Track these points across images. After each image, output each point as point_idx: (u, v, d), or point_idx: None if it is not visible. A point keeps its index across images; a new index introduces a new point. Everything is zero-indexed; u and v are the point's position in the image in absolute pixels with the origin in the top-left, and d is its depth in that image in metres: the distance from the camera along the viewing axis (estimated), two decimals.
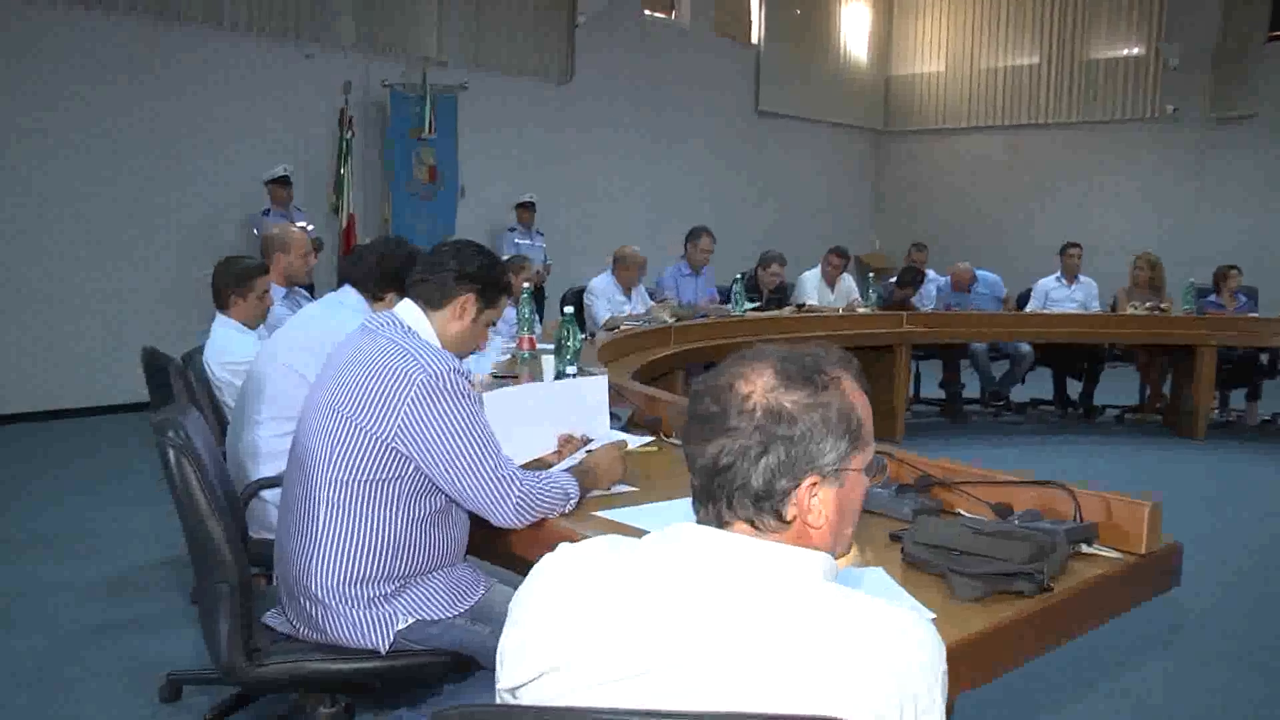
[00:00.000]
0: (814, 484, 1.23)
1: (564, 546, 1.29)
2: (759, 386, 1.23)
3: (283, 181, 8.07)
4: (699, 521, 1.26)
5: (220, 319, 3.81)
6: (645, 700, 1.11)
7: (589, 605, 1.18)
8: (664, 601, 1.16)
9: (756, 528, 1.24)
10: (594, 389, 3.02)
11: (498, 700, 1.27)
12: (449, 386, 2.14)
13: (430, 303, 2.34)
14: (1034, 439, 7.75)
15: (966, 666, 1.58)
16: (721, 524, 1.24)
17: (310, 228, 5.20)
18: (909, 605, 1.63)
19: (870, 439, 1.29)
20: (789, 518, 1.23)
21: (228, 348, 3.68)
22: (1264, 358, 8.36)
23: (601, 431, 2.89)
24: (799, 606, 1.15)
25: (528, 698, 1.20)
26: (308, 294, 5.12)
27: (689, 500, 2.39)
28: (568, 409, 2.88)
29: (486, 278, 2.40)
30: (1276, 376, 8.45)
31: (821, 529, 1.25)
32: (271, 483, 2.95)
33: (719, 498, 1.23)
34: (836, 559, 1.27)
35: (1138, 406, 8.68)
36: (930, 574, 1.89)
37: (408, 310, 2.33)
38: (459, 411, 2.14)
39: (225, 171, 8.34)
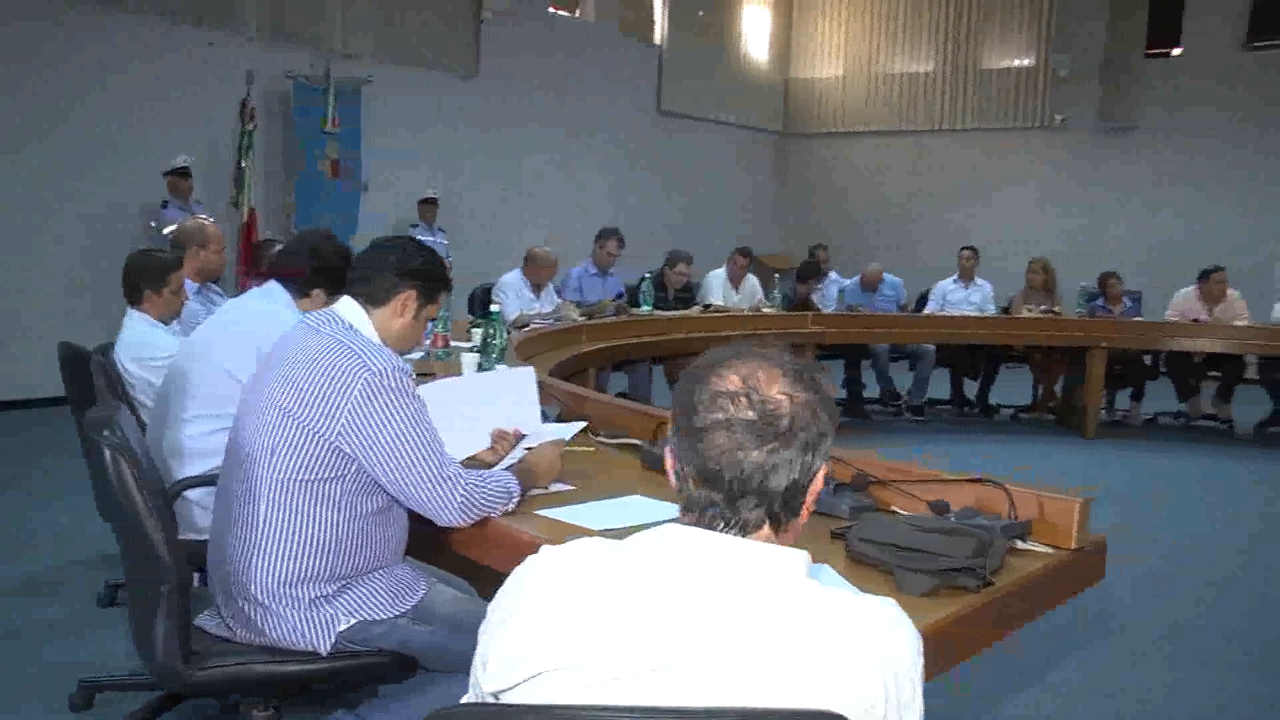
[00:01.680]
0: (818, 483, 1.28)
1: (546, 549, 1.29)
2: (777, 389, 1.24)
3: (182, 173, 7.84)
4: (703, 520, 1.25)
5: (133, 314, 3.69)
6: (649, 697, 1.13)
7: (586, 606, 1.19)
8: (662, 601, 1.17)
9: (776, 527, 1.26)
10: (521, 381, 3.02)
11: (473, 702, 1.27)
12: (393, 385, 2.13)
13: (372, 300, 2.32)
14: (934, 437, 7.95)
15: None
16: (744, 524, 1.24)
17: (211, 221, 5.09)
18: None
19: None
20: (799, 514, 1.27)
21: (145, 343, 3.57)
22: (1148, 359, 8.74)
23: (533, 425, 2.88)
24: (789, 603, 1.18)
25: (517, 699, 1.20)
26: (220, 290, 5.00)
27: (631, 498, 2.46)
28: (497, 402, 2.88)
29: (427, 274, 2.39)
30: (1159, 378, 8.83)
31: (798, 525, 1.30)
32: (197, 482, 2.89)
33: (744, 499, 1.23)
34: None
35: (1031, 406, 8.99)
36: (875, 570, 1.94)
37: (348, 308, 2.31)
38: (403, 410, 2.13)
39: (123, 161, 8.05)
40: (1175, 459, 7.64)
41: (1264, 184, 11.84)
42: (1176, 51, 12.67)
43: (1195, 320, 8.39)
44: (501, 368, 3.50)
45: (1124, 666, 3.85)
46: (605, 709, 1.11)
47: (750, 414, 1.22)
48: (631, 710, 1.11)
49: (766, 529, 1.26)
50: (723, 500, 1.24)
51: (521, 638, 1.21)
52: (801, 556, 1.23)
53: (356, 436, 2.10)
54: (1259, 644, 4.11)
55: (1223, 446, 8.13)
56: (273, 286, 3.11)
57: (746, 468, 1.22)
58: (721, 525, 1.24)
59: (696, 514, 1.25)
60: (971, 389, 8.94)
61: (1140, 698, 3.55)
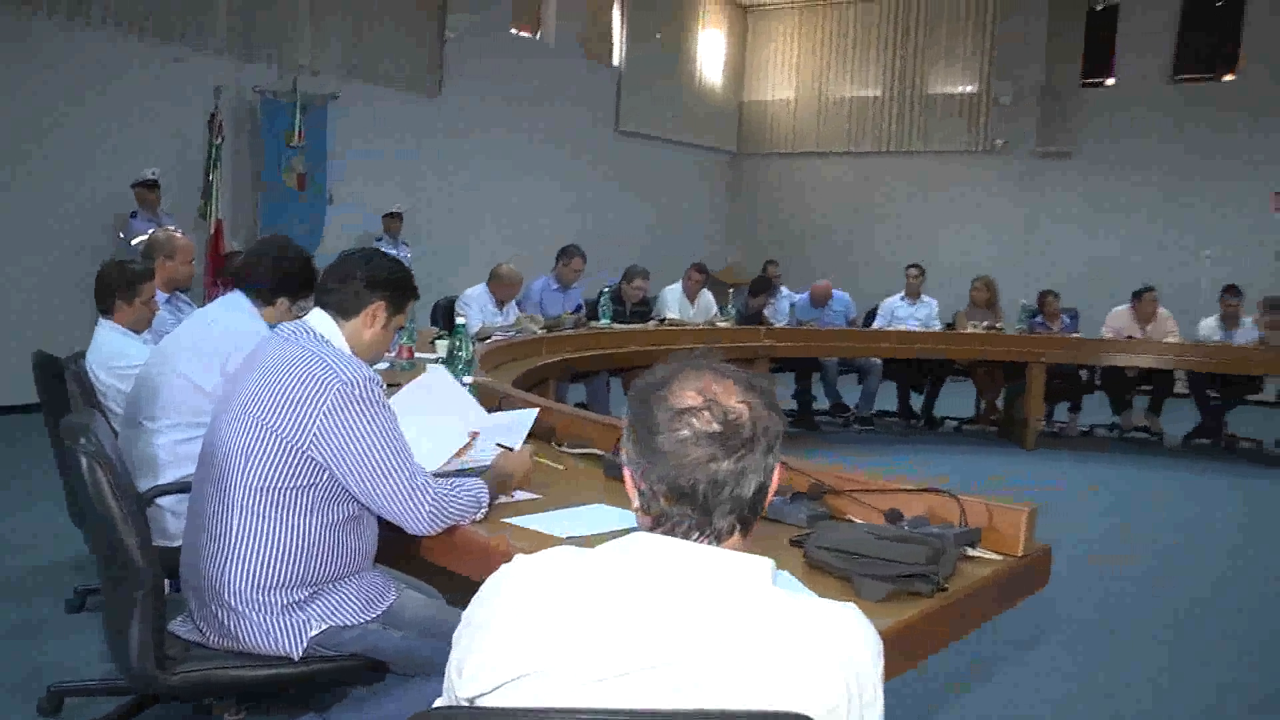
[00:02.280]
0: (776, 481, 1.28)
1: (520, 557, 1.28)
2: (735, 398, 1.24)
3: (151, 185, 7.71)
4: (677, 531, 1.25)
5: (104, 323, 3.62)
6: (623, 701, 1.12)
7: (561, 612, 1.18)
8: (634, 607, 1.17)
9: (744, 532, 1.27)
10: (439, 381, 2.98)
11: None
12: (364, 395, 2.12)
13: (343, 312, 2.31)
14: (881, 448, 7.97)
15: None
16: (718, 533, 1.25)
17: (179, 232, 5.05)
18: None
19: None
20: (760, 513, 1.28)
21: (115, 352, 3.51)
22: (1084, 374, 8.88)
23: (478, 418, 2.85)
24: (756, 609, 1.18)
25: (494, 704, 1.19)
26: (189, 300, 4.94)
27: (594, 506, 2.45)
28: (436, 403, 2.84)
29: (395, 284, 2.38)
30: (1094, 392, 8.97)
31: (756, 522, 1.30)
32: (167, 489, 2.85)
33: (717, 508, 1.23)
34: None
35: (974, 418, 9.09)
36: (833, 576, 1.95)
37: (319, 319, 2.29)
38: (374, 420, 2.12)
39: (92, 172, 7.92)
40: (1110, 469, 7.76)
41: (1190, 208, 12.06)
42: (1110, 82, 12.90)
43: (1128, 337, 8.53)
44: (467, 380, 3.47)
45: (1066, 665, 3.90)
46: (580, 712, 1.11)
47: (715, 426, 1.22)
48: (606, 713, 1.10)
49: (737, 535, 1.26)
50: (696, 513, 1.23)
51: (498, 643, 1.20)
52: (767, 564, 1.23)
53: (328, 445, 2.09)
54: (1188, 639, 4.21)
55: (1153, 457, 8.26)
56: (236, 296, 3.06)
57: (720, 478, 1.22)
58: (696, 535, 1.24)
59: (668, 526, 1.25)
60: (917, 401, 9.02)
61: (1075, 698, 3.60)
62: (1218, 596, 4.88)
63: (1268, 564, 5.52)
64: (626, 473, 1.30)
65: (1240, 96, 11.96)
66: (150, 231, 5.75)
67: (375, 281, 2.33)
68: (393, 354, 4.66)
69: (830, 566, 1.97)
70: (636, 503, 1.29)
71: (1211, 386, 8.52)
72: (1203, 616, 4.56)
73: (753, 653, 1.14)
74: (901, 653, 1.73)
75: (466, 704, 1.22)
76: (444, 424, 2.77)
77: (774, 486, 1.29)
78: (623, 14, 13.09)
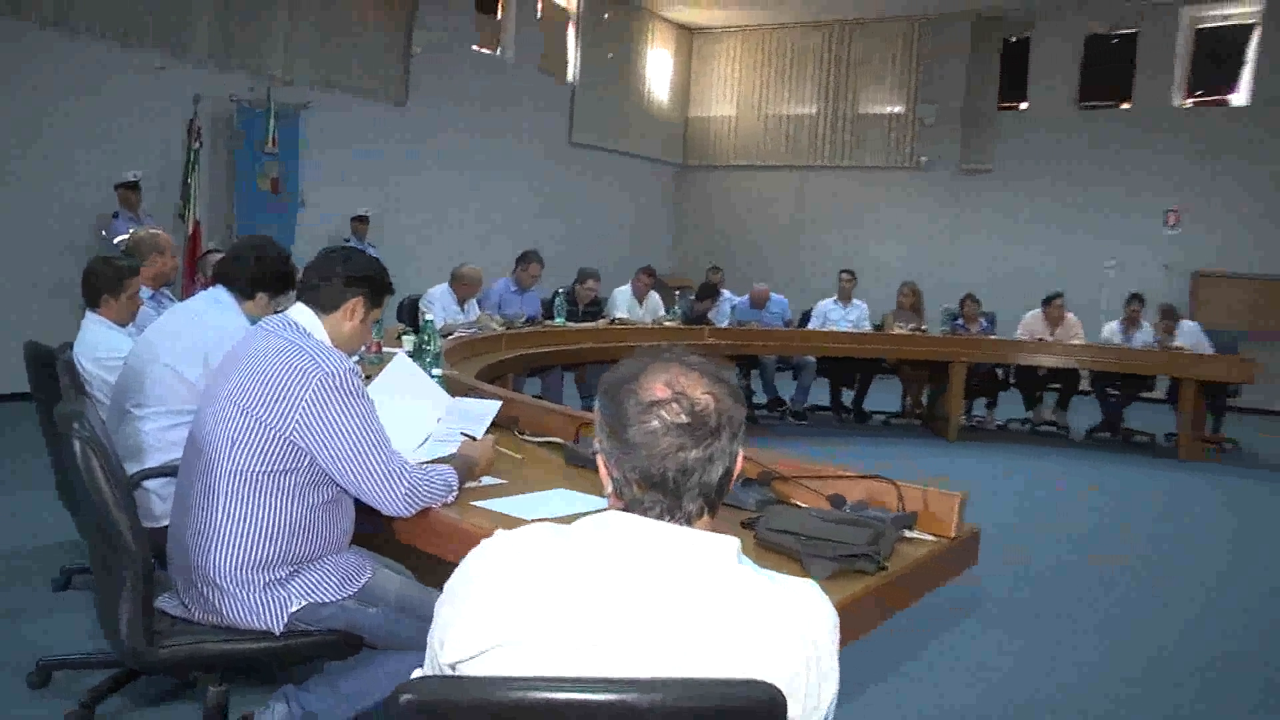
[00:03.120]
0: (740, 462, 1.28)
1: (500, 533, 1.27)
2: (701, 390, 1.24)
3: (133, 187, 7.64)
4: (649, 514, 1.24)
5: (91, 316, 3.55)
6: (597, 669, 1.12)
7: (538, 585, 1.18)
8: (608, 581, 1.17)
9: (712, 513, 1.27)
10: (403, 369, 2.96)
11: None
12: (344, 385, 2.10)
13: (324, 307, 2.28)
14: (815, 440, 8.03)
15: None
16: (689, 515, 1.24)
17: (160, 232, 4.99)
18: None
19: None
20: (725, 494, 1.28)
21: (101, 344, 3.44)
22: (1000, 372, 9.02)
23: (443, 401, 2.83)
24: (722, 585, 1.18)
25: (473, 671, 1.18)
26: (171, 295, 4.88)
27: (555, 491, 2.45)
28: (403, 391, 2.81)
29: (373, 280, 2.36)
30: (1009, 389, 9.12)
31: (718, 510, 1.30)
32: (155, 473, 2.81)
33: (687, 493, 1.23)
34: None
35: (900, 412, 9.20)
36: (782, 556, 1.97)
37: (301, 313, 2.27)
38: (353, 409, 2.10)
39: (77, 173, 7.81)
40: (1022, 459, 7.89)
41: (1094, 221, 12.30)
42: (1023, 106, 13.11)
43: (1039, 339, 8.68)
44: (436, 372, 3.44)
45: (993, 633, 3.98)
46: (556, 680, 1.10)
47: (684, 418, 1.21)
48: (580, 681, 1.10)
49: (705, 516, 1.26)
50: (668, 498, 1.23)
51: (478, 614, 1.19)
52: (733, 543, 1.23)
53: (310, 432, 2.06)
54: (1095, 607, 4.32)
55: (1061, 449, 8.43)
56: (219, 291, 3.02)
57: (689, 466, 1.22)
58: (668, 518, 1.23)
59: (641, 510, 1.24)
60: (848, 397, 9.11)
61: (1001, 665, 3.67)
62: (1121, 571, 5.00)
63: (1163, 543, 5.69)
64: (600, 461, 1.29)
65: (1136, 123, 12.24)
66: (131, 231, 5.65)
67: (355, 278, 2.31)
68: (361, 348, 4.60)
69: (780, 547, 1.99)
70: (609, 488, 1.28)
71: (1111, 385, 8.72)
72: (1110, 588, 4.68)
73: (720, 625, 1.15)
74: (847, 625, 1.73)
75: (449, 670, 1.21)
76: (414, 410, 2.76)
77: (738, 470, 1.29)
78: (577, 34, 13.06)
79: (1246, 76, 11.84)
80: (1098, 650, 3.88)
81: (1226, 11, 11.93)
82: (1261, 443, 9.02)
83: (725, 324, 8.79)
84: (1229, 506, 6.80)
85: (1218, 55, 12.09)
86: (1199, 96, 12.22)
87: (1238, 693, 3.59)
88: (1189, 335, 8.61)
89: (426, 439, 2.64)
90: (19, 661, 3.04)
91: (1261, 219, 11.51)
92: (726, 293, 9.60)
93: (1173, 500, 6.87)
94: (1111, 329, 8.94)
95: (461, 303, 7.01)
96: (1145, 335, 8.73)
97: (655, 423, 1.21)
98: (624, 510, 1.25)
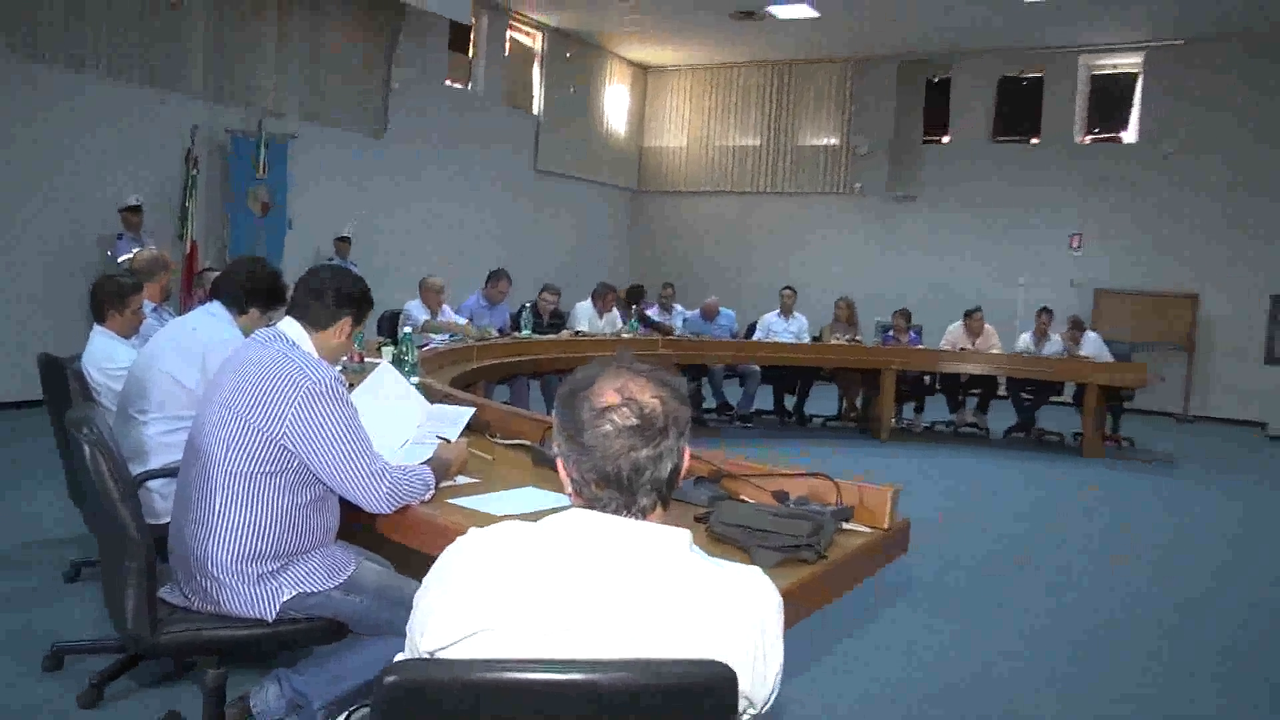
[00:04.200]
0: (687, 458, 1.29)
1: (474, 530, 1.27)
2: (649, 394, 1.24)
3: (135, 210, 7.65)
4: (606, 510, 1.24)
5: (98, 329, 3.55)
6: (565, 652, 1.12)
7: (510, 576, 1.18)
8: (573, 572, 1.17)
9: (664, 507, 1.27)
10: (386, 376, 2.95)
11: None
12: (329, 393, 2.09)
13: (316, 324, 2.28)
14: (760, 442, 8.06)
15: None
16: (643, 510, 1.24)
17: (164, 253, 5.04)
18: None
19: None
20: (675, 487, 1.28)
21: (107, 355, 3.43)
22: (926, 379, 9.13)
23: (424, 408, 2.82)
24: (677, 572, 1.19)
25: (451, 657, 1.18)
26: (170, 310, 4.86)
27: (525, 489, 2.45)
28: (384, 399, 2.79)
29: (361, 301, 2.37)
30: (934, 394, 9.23)
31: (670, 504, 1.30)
32: (156, 474, 2.80)
33: (640, 489, 1.23)
34: None
35: (838, 416, 9.27)
36: (732, 547, 1.98)
37: (290, 327, 2.26)
38: (338, 415, 2.09)
39: (85, 198, 7.83)
40: (948, 458, 7.99)
41: (1008, 242, 12.48)
42: (945, 139, 13.28)
43: (961, 349, 8.81)
44: (414, 380, 3.42)
45: (922, 615, 4.02)
46: (528, 662, 1.10)
47: (634, 420, 1.22)
48: (550, 663, 1.10)
49: (658, 509, 1.27)
50: (623, 495, 1.23)
51: (455, 604, 1.19)
52: (685, 534, 1.24)
53: (299, 436, 2.05)
54: (1014, 590, 4.38)
55: (981, 448, 8.54)
56: (215, 305, 3.02)
57: (640, 464, 1.22)
58: (625, 514, 1.24)
59: (600, 508, 1.24)
60: (790, 402, 9.17)
61: (931, 643, 3.71)
62: (1036, 557, 5.10)
63: (1074, 531, 5.79)
64: (559, 463, 1.29)
65: (1043, 155, 12.46)
66: (135, 251, 5.62)
67: (344, 299, 2.32)
68: (345, 359, 4.58)
69: (730, 539, 2.00)
70: (569, 488, 1.28)
71: (1025, 389, 8.85)
72: (1028, 573, 4.77)
73: (675, 609, 1.16)
74: (791, 609, 1.74)
75: (428, 656, 1.21)
76: (396, 415, 2.73)
77: (685, 465, 1.29)
78: (542, 71, 13.05)
79: (1134, 118, 12.15)
80: (1018, 630, 3.94)
81: (1115, 61, 12.25)
82: (1152, 440, 9.22)
83: (678, 335, 8.81)
84: (1126, 496, 6.94)
85: (1110, 98, 12.37)
86: (1096, 134, 12.49)
87: (1148, 662, 3.66)
88: (1092, 345, 8.78)
89: (406, 442, 2.63)
90: (34, 645, 3.05)
91: (1148, 242, 11.77)
92: (679, 307, 9.62)
93: (1079, 491, 7.00)
94: (1025, 340, 9.08)
95: (433, 311, 7.02)
96: (1055, 345, 8.89)
97: (608, 426, 1.22)
98: (585, 507, 1.26)
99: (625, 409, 1.22)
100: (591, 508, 1.25)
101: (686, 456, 1.29)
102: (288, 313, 2.31)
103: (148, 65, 8.16)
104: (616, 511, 1.24)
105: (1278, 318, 11.21)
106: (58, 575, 3.75)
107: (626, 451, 1.22)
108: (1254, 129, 11.12)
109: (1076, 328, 8.79)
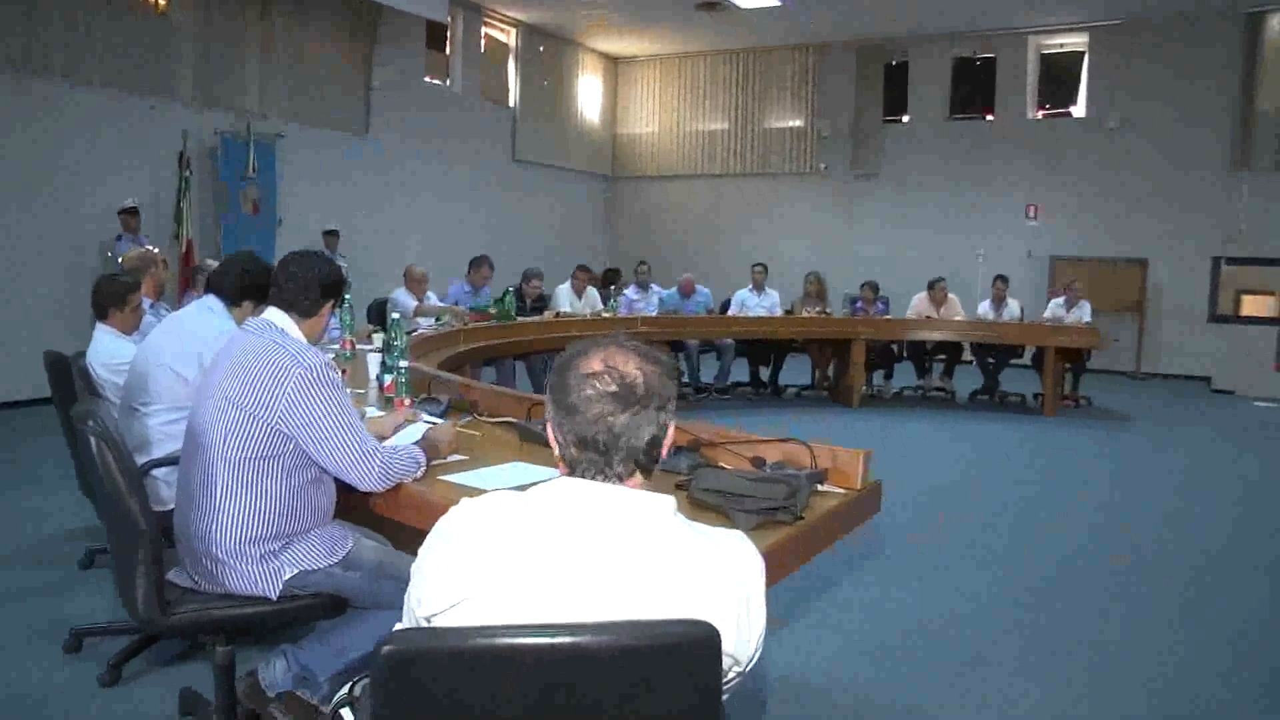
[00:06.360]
0: (670, 435, 1.28)
1: (466, 500, 1.26)
2: (632, 365, 1.24)
3: (132, 211, 7.64)
4: (584, 474, 1.23)
5: (101, 327, 3.52)
6: (554, 615, 1.12)
7: (500, 543, 1.17)
8: (560, 538, 1.17)
9: (644, 475, 1.26)
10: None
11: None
12: (321, 378, 2.08)
13: (303, 314, 2.28)
14: (737, 411, 8.08)
15: None
16: (619, 475, 1.23)
17: (155, 250, 4.99)
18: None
19: None
20: (658, 461, 1.27)
21: (110, 351, 3.41)
22: (894, 348, 9.16)
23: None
24: (663, 536, 1.19)
25: (446, 623, 1.17)
26: (167, 306, 4.84)
27: (512, 464, 2.43)
28: None
29: (338, 286, 2.39)
30: (902, 361, 9.27)
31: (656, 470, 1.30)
32: (161, 462, 2.80)
33: (615, 454, 1.22)
34: None
35: (810, 385, 9.28)
36: (712, 512, 1.97)
37: (277, 316, 2.25)
38: (331, 398, 2.08)
39: (84, 201, 7.80)
40: (917, 421, 8.03)
41: (968, 215, 12.55)
42: (905, 119, 13.28)
43: (926, 317, 8.84)
44: (403, 364, 3.37)
45: (894, 571, 4.05)
46: (519, 627, 1.09)
47: (614, 387, 1.22)
48: (540, 627, 1.09)
49: (638, 477, 1.26)
50: (599, 458, 1.23)
51: (448, 571, 1.18)
52: (669, 500, 1.24)
53: (293, 420, 2.04)
54: (979, 544, 4.41)
55: (948, 411, 8.59)
56: (210, 300, 3.02)
57: (616, 429, 1.22)
58: (600, 478, 1.23)
59: (579, 471, 1.24)
60: (765, 374, 9.18)
61: (901, 598, 3.74)
62: (1004, 512, 5.14)
63: (1041, 487, 5.83)
64: (549, 427, 1.29)
65: (998, 132, 12.50)
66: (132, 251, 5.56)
67: (326, 289, 2.33)
68: (337, 346, 4.55)
69: (710, 504, 1.99)
70: (557, 451, 1.28)
71: (988, 354, 8.90)
72: (994, 529, 4.80)
73: (661, 572, 1.15)
74: (770, 569, 1.74)
75: (425, 623, 1.20)
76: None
77: (669, 440, 1.28)
78: (516, 65, 12.93)
79: (1082, 94, 12.19)
80: (984, 582, 3.97)
81: (1062, 41, 12.27)
82: (1107, 398, 9.31)
83: (655, 313, 8.79)
84: (1085, 451, 7.01)
85: (1060, 76, 12.40)
86: (1047, 110, 12.53)
87: (1107, 604, 3.71)
88: (1083, 311, 8.96)
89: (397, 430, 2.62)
90: (55, 629, 3.10)
91: (1100, 212, 11.86)
92: (655, 286, 9.59)
93: (1040, 448, 7.06)
94: (985, 307, 9.12)
95: (419, 298, 6.98)
96: (1012, 310, 8.94)
97: (589, 390, 1.22)
98: (569, 473, 1.26)
99: (607, 376, 1.22)
100: (574, 471, 1.24)
101: (671, 432, 1.28)
102: (273, 302, 2.30)
103: (140, 75, 8.16)
104: (594, 476, 1.23)
105: (1218, 280, 11.33)
106: (74, 563, 3.77)
107: (605, 416, 1.21)
108: (1184, 107, 11.26)
109: (1002, 280, 8.99)
